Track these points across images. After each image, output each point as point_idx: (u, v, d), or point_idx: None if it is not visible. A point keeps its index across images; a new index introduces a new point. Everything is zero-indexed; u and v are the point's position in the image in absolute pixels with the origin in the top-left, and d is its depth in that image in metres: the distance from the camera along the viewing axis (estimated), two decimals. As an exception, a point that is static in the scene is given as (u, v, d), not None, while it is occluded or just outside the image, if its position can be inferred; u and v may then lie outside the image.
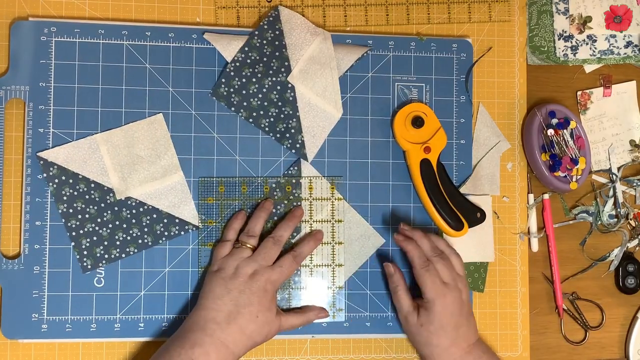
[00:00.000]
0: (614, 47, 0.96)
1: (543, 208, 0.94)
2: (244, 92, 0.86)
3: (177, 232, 0.84)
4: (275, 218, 0.86)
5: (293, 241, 0.86)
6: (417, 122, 0.87)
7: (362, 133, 0.89)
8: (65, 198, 0.82)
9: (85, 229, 0.82)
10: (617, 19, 0.96)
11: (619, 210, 0.95)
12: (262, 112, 0.86)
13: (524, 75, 0.95)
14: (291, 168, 0.87)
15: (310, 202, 0.87)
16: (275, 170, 0.87)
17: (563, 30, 0.95)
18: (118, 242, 0.83)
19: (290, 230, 0.84)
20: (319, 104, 0.87)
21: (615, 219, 0.95)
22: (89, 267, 0.82)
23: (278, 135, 0.87)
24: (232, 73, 0.86)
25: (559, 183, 0.91)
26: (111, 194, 0.83)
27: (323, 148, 0.88)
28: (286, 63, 0.86)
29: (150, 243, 0.83)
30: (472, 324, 0.84)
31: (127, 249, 0.83)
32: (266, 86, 0.86)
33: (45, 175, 0.82)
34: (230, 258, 0.81)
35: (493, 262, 0.92)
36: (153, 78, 0.86)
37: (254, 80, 0.86)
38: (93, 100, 0.84)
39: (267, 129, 0.87)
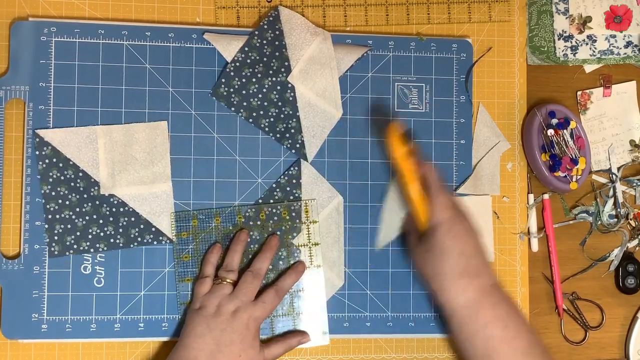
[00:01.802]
0: (614, 47, 0.96)
1: (543, 208, 0.94)
2: (243, 92, 0.86)
3: (150, 240, 0.83)
4: (253, 246, 0.85)
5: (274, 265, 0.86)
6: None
7: (362, 133, 0.89)
8: (50, 180, 0.82)
9: (62, 215, 0.82)
10: (617, 19, 0.96)
11: (619, 210, 0.95)
12: (262, 112, 0.86)
13: (524, 75, 0.95)
14: (291, 169, 0.87)
15: (286, 227, 0.86)
16: (275, 171, 0.87)
17: (563, 30, 0.95)
18: (90, 236, 0.82)
19: (269, 261, 0.83)
20: (319, 104, 0.87)
21: (615, 219, 0.96)
22: (56, 252, 0.82)
23: (278, 135, 0.87)
24: (232, 73, 0.86)
25: (559, 183, 0.91)
26: (96, 187, 0.82)
27: (323, 148, 0.88)
28: (286, 63, 0.86)
29: (121, 245, 0.83)
30: (487, 265, 0.79)
31: (97, 245, 0.82)
32: (266, 86, 0.86)
33: (37, 152, 0.82)
34: (211, 295, 0.80)
35: (493, 262, 0.92)
36: (153, 78, 0.86)
37: (253, 80, 0.86)
38: (93, 100, 0.84)
39: (267, 129, 0.87)
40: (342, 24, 0.91)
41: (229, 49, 0.86)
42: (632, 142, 0.97)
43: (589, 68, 0.97)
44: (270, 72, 0.86)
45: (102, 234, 0.82)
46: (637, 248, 0.96)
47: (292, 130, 0.87)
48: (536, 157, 0.91)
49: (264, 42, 0.86)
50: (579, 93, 0.97)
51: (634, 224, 0.96)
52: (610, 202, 0.96)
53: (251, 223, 0.86)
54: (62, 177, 0.82)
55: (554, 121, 0.91)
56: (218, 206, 0.86)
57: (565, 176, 0.91)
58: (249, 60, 0.86)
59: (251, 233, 0.85)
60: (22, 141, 0.83)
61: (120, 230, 0.83)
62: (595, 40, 0.96)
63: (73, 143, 0.83)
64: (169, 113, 0.86)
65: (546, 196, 0.94)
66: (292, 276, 0.84)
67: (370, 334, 0.89)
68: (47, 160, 0.82)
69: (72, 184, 0.82)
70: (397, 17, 0.92)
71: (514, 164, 0.94)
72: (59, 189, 0.82)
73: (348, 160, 0.89)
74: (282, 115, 0.86)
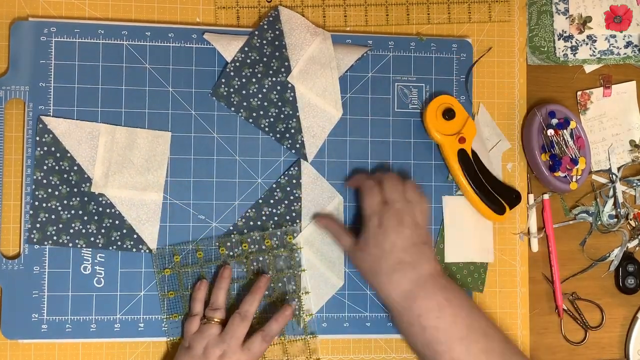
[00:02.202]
0: (614, 47, 0.96)
1: (543, 208, 0.94)
2: (243, 92, 0.86)
3: (130, 247, 0.83)
4: (240, 279, 0.85)
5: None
6: (448, 113, 0.87)
7: (362, 133, 0.89)
8: (45, 167, 0.81)
9: (49, 204, 0.81)
10: (617, 19, 0.96)
11: (619, 210, 0.95)
12: (261, 112, 0.86)
13: (524, 75, 0.95)
14: (291, 169, 0.87)
15: (270, 255, 0.85)
16: (275, 171, 0.87)
17: (563, 31, 0.95)
18: (71, 231, 0.82)
19: (257, 302, 0.81)
20: (319, 104, 0.87)
21: (615, 219, 0.95)
22: (35, 240, 0.81)
23: (278, 136, 0.87)
24: (232, 73, 0.86)
25: (558, 183, 0.91)
26: (88, 184, 0.82)
27: (323, 148, 0.88)
28: (286, 63, 0.86)
29: (100, 245, 0.82)
30: (425, 253, 0.77)
31: (77, 241, 0.82)
32: (266, 86, 0.86)
33: (37, 138, 0.82)
34: (199, 336, 0.79)
35: (493, 262, 0.92)
36: (153, 78, 0.86)
37: (253, 80, 0.86)
38: (93, 100, 0.84)
39: (267, 129, 0.87)
40: (342, 24, 0.91)
41: (228, 49, 0.86)
42: (632, 142, 0.97)
43: (589, 68, 0.97)
44: (270, 72, 0.86)
45: (83, 230, 0.82)
46: (637, 248, 0.96)
47: (292, 131, 0.87)
48: (536, 157, 0.91)
49: (264, 42, 0.86)
50: (579, 93, 0.97)
51: (634, 224, 0.96)
52: (610, 202, 0.96)
53: (233, 253, 0.85)
54: (57, 167, 0.82)
55: (554, 121, 0.91)
56: (217, 207, 0.86)
57: (565, 176, 0.91)
58: (248, 60, 0.86)
59: (234, 266, 0.85)
60: (22, 141, 0.83)
61: (103, 230, 0.82)
62: (595, 40, 0.96)
63: (75, 136, 0.83)
64: (169, 113, 0.86)
65: (546, 196, 0.94)
66: (280, 321, 0.81)
67: (370, 334, 0.89)
68: (45, 148, 0.82)
69: (65, 175, 0.82)
70: (397, 17, 0.92)
71: (514, 164, 0.94)
72: (51, 178, 0.82)
73: (348, 160, 0.89)
74: (282, 116, 0.86)
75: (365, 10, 0.92)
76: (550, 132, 0.91)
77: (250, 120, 0.86)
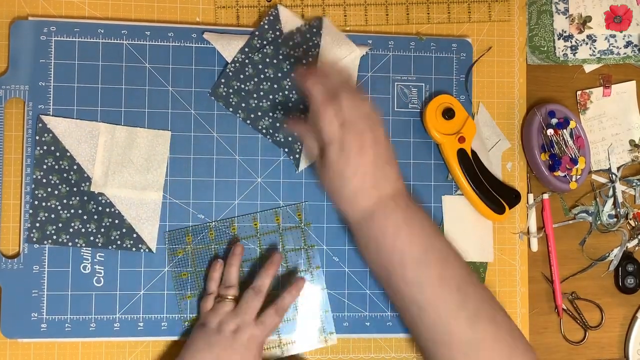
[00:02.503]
0: (614, 47, 0.96)
1: (542, 208, 0.94)
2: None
3: (129, 246, 0.83)
4: (252, 257, 0.86)
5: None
6: (448, 113, 0.87)
7: (362, 133, 0.89)
8: (44, 167, 0.82)
9: (48, 204, 0.81)
10: (617, 19, 0.96)
11: (618, 210, 0.95)
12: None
13: (523, 75, 0.95)
14: (313, 21, 0.86)
15: (280, 232, 0.86)
16: (275, 170, 0.87)
17: (563, 30, 0.95)
18: (71, 230, 0.82)
19: (271, 278, 0.81)
20: None
21: (615, 219, 0.96)
22: (34, 239, 0.81)
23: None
24: (231, 74, 0.86)
25: (558, 183, 0.91)
26: (87, 183, 0.82)
27: (323, 148, 0.88)
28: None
29: (100, 244, 0.82)
30: (389, 173, 0.72)
31: (76, 240, 0.82)
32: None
33: (37, 138, 0.82)
34: (213, 313, 0.79)
35: (492, 262, 0.92)
36: (153, 78, 0.86)
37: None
38: (93, 99, 0.84)
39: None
40: (342, 23, 0.91)
41: (228, 48, 0.86)
42: (631, 142, 0.97)
43: (588, 68, 0.97)
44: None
45: (83, 229, 0.82)
46: (637, 248, 0.96)
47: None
48: (536, 156, 0.91)
49: (264, 42, 0.86)
50: (578, 93, 0.97)
51: (633, 224, 0.96)
52: (610, 202, 0.96)
53: (245, 233, 0.86)
54: (57, 167, 0.82)
55: (554, 121, 0.91)
56: (217, 207, 0.86)
57: (565, 176, 0.91)
58: (248, 61, 0.86)
59: (246, 243, 0.85)
60: (22, 141, 0.83)
61: (102, 230, 0.83)
62: (595, 40, 0.96)
63: (74, 135, 0.83)
64: (169, 113, 0.86)
65: (546, 196, 0.94)
66: (293, 293, 0.82)
67: (370, 334, 0.89)
68: (45, 147, 0.82)
69: (65, 175, 0.82)
70: (397, 17, 0.92)
71: (514, 164, 0.94)
72: (50, 177, 0.82)
73: (348, 159, 0.89)
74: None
75: (365, 10, 0.92)
76: (550, 131, 0.91)
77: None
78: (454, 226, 0.90)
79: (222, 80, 0.86)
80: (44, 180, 0.82)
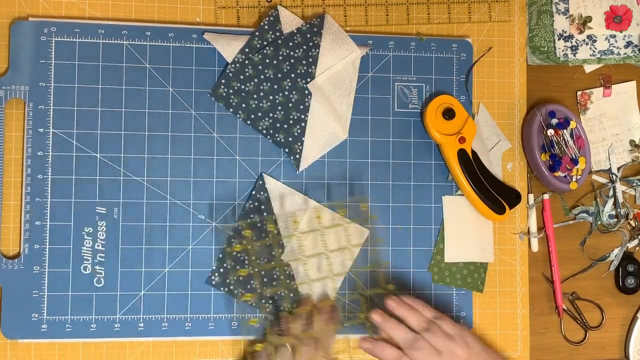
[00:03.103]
0: (614, 47, 0.96)
1: (543, 208, 0.94)
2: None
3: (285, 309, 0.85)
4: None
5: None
6: (449, 113, 0.88)
7: (362, 133, 0.89)
8: (248, 220, 0.85)
9: (238, 255, 0.84)
10: (617, 19, 0.96)
11: (618, 210, 0.95)
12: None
13: (524, 75, 0.95)
14: (315, 20, 0.87)
15: (322, 232, 0.87)
16: (276, 170, 0.87)
17: (563, 30, 0.95)
18: (248, 286, 0.85)
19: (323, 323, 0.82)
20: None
21: (615, 219, 0.96)
22: (213, 282, 0.84)
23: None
24: (231, 74, 0.86)
25: (558, 183, 0.91)
26: (280, 250, 0.85)
27: (323, 148, 0.89)
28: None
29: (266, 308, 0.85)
30: None
31: (242, 291, 0.84)
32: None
33: (253, 192, 0.86)
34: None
35: (493, 262, 0.92)
36: (153, 78, 0.86)
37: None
38: (93, 100, 0.84)
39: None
40: (342, 24, 0.91)
41: (228, 48, 0.86)
42: (632, 142, 0.97)
43: (589, 68, 0.97)
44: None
45: (259, 290, 0.84)
46: (637, 248, 0.96)
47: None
48: (536, 157, 0.91)
49: (264, 43, 0.86)
50: (579, 93, 0.97)
51: (633, 224, 0.96)
52: (610, 202, 0.96)
53: (308, 227, 0.86)
54: (259, 224, 0.85)
55: (554, 121, 0.91)
56: (217, 207, 0.86)
57: (565, 176, 0.91)
58: (248, 62, 0.86)
59: (286, 243, 0.86)
60: (22, 141, 0.83)
61: (275, 297, 0.85)
62: (595, 40, 0.96)
63: (286, 203, 0.86)
64: (169, 113, 0.86)
65: (546, 196, 0.94)
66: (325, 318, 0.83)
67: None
68: (256, 203, 0.85)
69: (263, 234, 0.85)
70: (397, 17, 0.92)
71: (514, 164, 0.94)
72: (247, 233, 0.84)
73: (348, 160, 0.89)
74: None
75: (365, 10, 0.92)
76: (550, 132, 0.91)
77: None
78: (454, 226, 0.90)
79: (223, 81, 0.86)
80: (243, 233, 0.84)
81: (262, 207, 0.86)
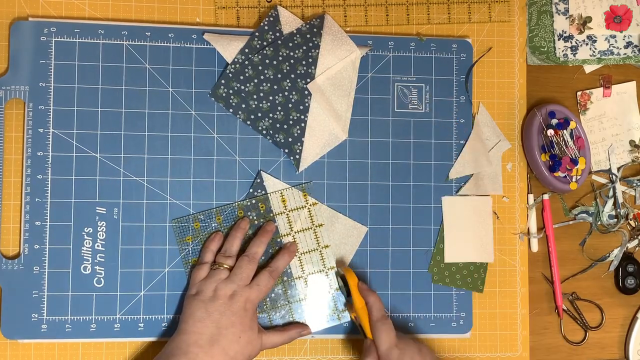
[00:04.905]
0: (614, 47, 0.96)
1: (543, 208, 0.94)
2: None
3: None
4: (251, 233, 0.86)
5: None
6: None
7: (362, 133, 0.89)
8: (247, 215, 0.86)
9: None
10: (617, 19, 0.96)
11: (618, 210, 0.95)
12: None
13: (523, 76, 0.95)
14: (314, 20, 0.87)
15: (287, 214, 0.87)
16: (276, 170, 0.87)
17: (563, 31, 0.95)
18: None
19: (264, 245, 0.84)
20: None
21: (615, 219, 0.96)
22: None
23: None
24: (231, 75, 0.86)
25: (558, 183, 0.91)
26: (279, 239, 0.84)
27: (323, 148, 0.89)
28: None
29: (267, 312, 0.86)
30: None
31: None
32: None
33: (251, 190, 0.86)
34: (208, 280, 0.80)
35: (493, 262, 0.92)
36: (153, 78, 0.86)
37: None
38: (93, 100, 0.84)
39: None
40: (342, 24, 0.91)
41: (228, 49, 0.86)
42: (632, 142, 0.97)
43: (588, 68, 0.97)
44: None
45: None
46: (637, 248, 0.96)
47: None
48: (536, 157, 0.91)
49: (264, 43, 0.86)
50: (579, 93, 0.97)
51: (633, 224, 0.96)
52: (610, 202, 0.96)
53: (252, 217, 0.86)
54: (256, 222, 0.86)
55: (554, 121, 0.91)
56: (218, 206, 0.86)
57: (565, 176, 0.91)
58: (248, 62, 0.86)
59: (252, 219, 0.86)
60: (22, 141, 0.83)
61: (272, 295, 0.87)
62: (595, 41, 0.96)
63: (290, 203, 0.87)
64: (169, 113, 0.86)
65: (546, 196, 0.94)
66: (285, 257, 0.85)
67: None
68: (253, 201, 0.86)
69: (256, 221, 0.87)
70: (397, 17, 0.92)
71: (514, 164, 0.94)
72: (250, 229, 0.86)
73: (348, 160, 0.89)
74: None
75: (365, 10, 0.92)
76: (550, 132, 0.91)
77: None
78: (454, 227, 0.90)
79: (222, 81, 0.86)
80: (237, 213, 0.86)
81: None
